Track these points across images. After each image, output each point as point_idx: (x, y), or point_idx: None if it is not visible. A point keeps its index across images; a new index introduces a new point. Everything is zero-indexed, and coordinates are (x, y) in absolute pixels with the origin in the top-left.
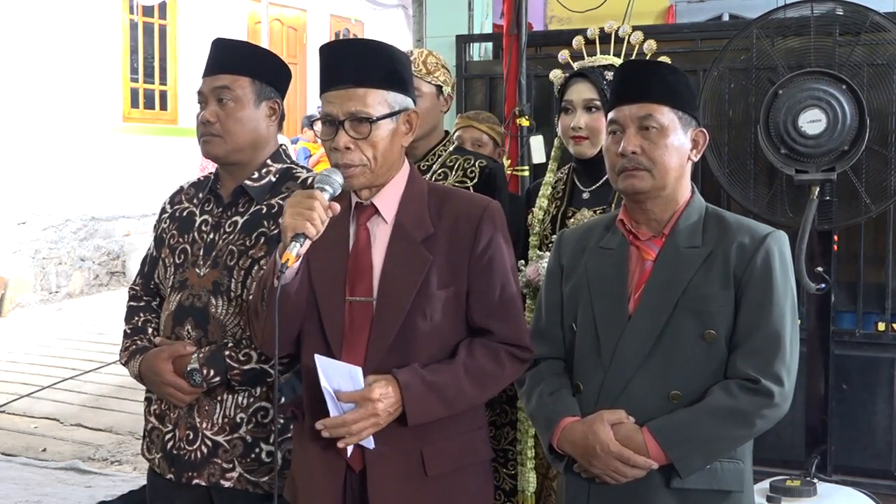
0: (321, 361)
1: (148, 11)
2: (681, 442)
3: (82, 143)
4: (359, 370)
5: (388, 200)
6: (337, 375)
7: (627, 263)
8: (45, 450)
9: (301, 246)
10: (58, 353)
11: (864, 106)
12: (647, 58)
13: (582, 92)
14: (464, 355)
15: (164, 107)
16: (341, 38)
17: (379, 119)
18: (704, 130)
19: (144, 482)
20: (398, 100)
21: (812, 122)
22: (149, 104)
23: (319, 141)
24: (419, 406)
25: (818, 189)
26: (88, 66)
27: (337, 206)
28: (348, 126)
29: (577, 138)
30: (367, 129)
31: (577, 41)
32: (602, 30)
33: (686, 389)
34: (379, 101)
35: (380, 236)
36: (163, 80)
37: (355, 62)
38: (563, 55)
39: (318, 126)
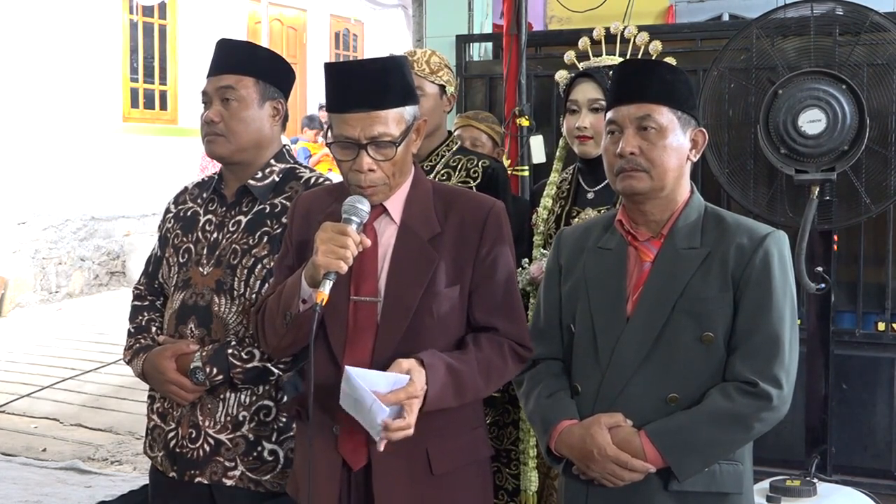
0: (357, 372)
1: (148, 11)
2: (678, 446)
3: (82, 143)
4: (405, 378)
5: (396, 201)
6: (375, 383)
7: (626, 264)
8: (45, 450)
9: (332, 282)
10: (58, 353)
11: (864, 106)
12: (654, 59)
13: (587, 92)
14: (473, 347)
15: (164, 107)
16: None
17: (402, 140)
18: (704, 130)
19: (144, 482)
20: (412, 112)
21: (812, 121)
22: (149, 104)
23: (320, 141)
24: (438, 392)
25: (818, 189)
26: (88, 66)
27: (368, 241)
28: (372, 150)
29: (582, 138)
30: (392, 152)
31: (583, 42)
32: (608, 30)
33: (684, 392)
34: (398, 119)
35: (386, 236)
36: (163, 80)
37: (374, 84)
38: (569, 56)
39: (335, 149)
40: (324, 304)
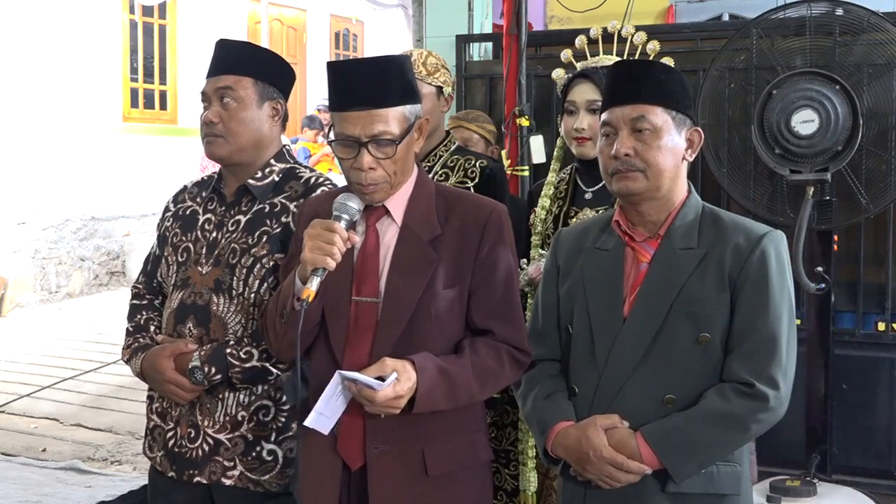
0: (348, 376)
1: (148, 11)
2: (674, 447)
3: (82, 143)
4: (392, 377)
5: (398, 202)
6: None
7: (623, 265)
8: (45, 450)
9: (320, 279)
10: (58, 353)
11: (858, 106)
12: (651, 58)
13: (585, 93)
14: (469, 352)
15: (163, 107)
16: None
17: (403, 138)
18: (699, 129)
19: (144, 482)
20: (414, 111)
21: (805, 122)
22: (149, 104)
23: (320, 140)
24: (428, 395)
25: (813, 189)
26: (88, 66)
27: (356, 238)
28: (373, 148)
29: (581, 139)
30: (393, 150)
31: (580, 40)
32: (605, 29)
33: (681, 393)
34: (399, 118)
35: (388, 237)
36: (163, 80)
37: (374, 83)
38: (566, 54)
39: (336, 147)
40: (310, 300)
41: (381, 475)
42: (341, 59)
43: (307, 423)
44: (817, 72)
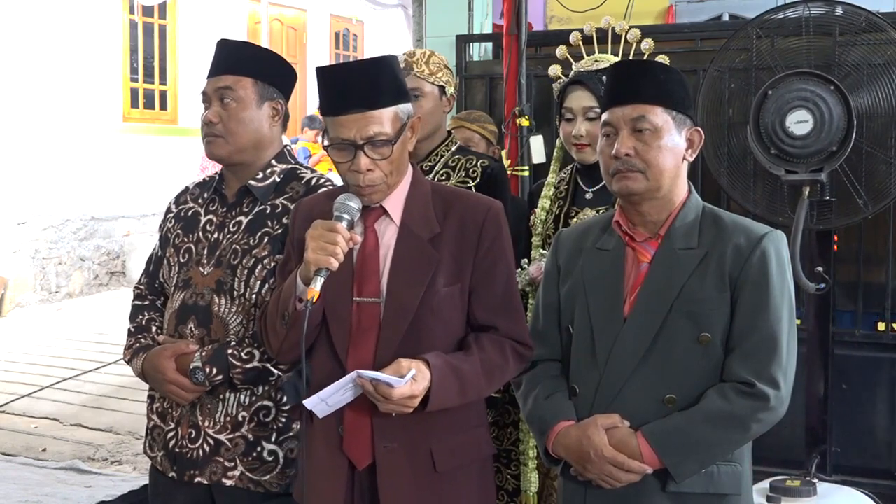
0: (367, 375)
1: (148, 11)
2: (675, 447)
3: (82, 143)
4: (409, 375)
5: (396, 202)
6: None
7: (623, 265)
8: (45, 450)
9: (323, 279)
10: (58, 353)
11: (852, 107)
12: (646, 57)
13: (581, 100)
14: (476, 348)
15: (163, 107)
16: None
17: (398, 138)
18: (700, 129)
19: (144, 482)
20: (406, 110)
21: (799, 122)
22: (149, 104)
23: (320, 141)
24: (441, 393)
25: (809, 189)
26: (88, 66)
27: (358, 238)
28: (369, 150)
29: (580, 146)
30: (389, 151)
31: (575, 37)
32: (599, 28)
33: (681, 393)
34: (392, 118)
35: (387, 237)
36: (163, 80)
37: (367, 85)
38: (561, 50)
39: (332, 151)
40: (315, 300)
41: (390, 473)
42: (341, 58)
43: (307, 402)
44: (812, 72)
